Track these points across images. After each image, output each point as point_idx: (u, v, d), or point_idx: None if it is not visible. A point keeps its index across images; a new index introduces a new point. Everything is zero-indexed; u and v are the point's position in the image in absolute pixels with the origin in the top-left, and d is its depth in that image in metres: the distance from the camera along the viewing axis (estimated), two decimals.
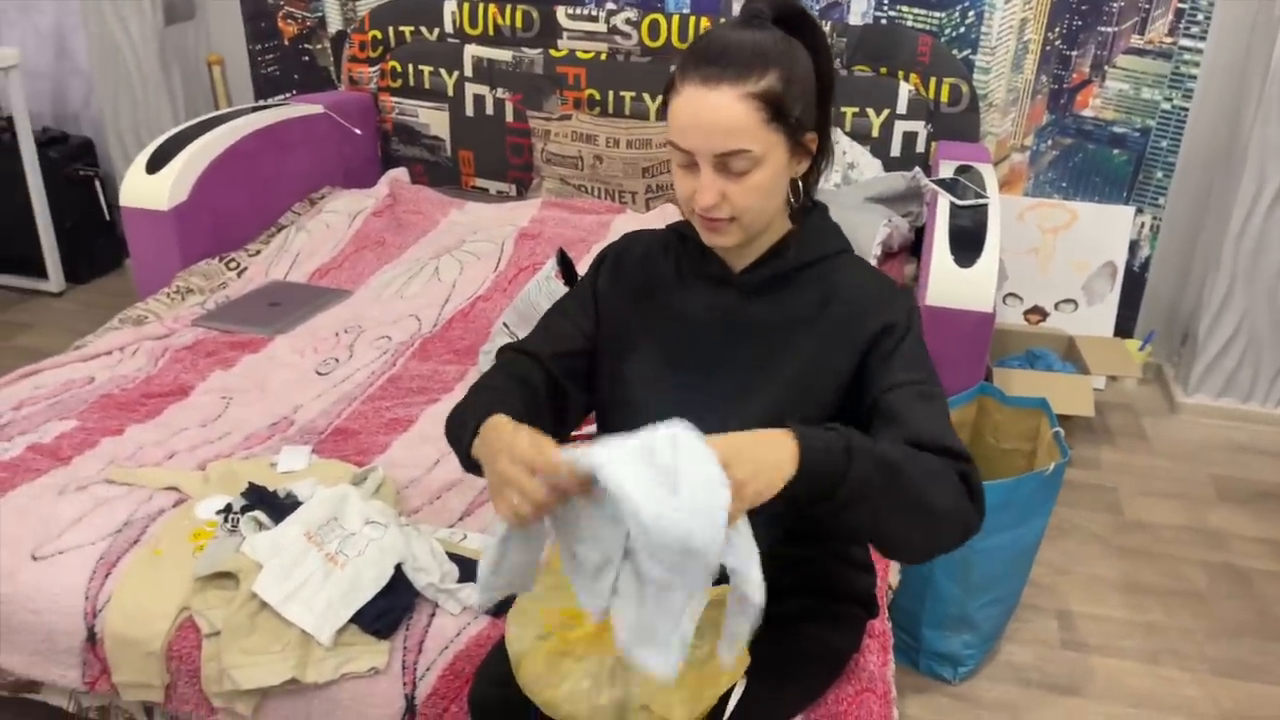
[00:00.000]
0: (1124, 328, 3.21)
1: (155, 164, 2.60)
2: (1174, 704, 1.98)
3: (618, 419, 1.33)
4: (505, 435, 1.06)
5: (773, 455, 1.00)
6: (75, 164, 3.52)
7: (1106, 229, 3.07)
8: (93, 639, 1.53)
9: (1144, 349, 3.14)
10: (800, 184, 1.26)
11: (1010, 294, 3.18)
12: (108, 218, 3.64)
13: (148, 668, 1.51)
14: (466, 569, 1.57)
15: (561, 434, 1.28)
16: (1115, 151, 3.09)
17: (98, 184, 3.57)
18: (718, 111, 1.13)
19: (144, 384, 2.12)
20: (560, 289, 1.98)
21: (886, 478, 1.04)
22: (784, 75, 1.15)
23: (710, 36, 1.18)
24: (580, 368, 1.35)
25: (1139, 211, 3.13)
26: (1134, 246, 3.15)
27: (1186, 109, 3.01)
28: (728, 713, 1.23)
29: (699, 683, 1.18)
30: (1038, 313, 3.17)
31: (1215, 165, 3.02)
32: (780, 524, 1.31)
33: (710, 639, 1.12)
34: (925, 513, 1.08)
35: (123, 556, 1.60)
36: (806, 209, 1.29)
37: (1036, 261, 3.13)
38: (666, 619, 0.96)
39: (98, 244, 3.68)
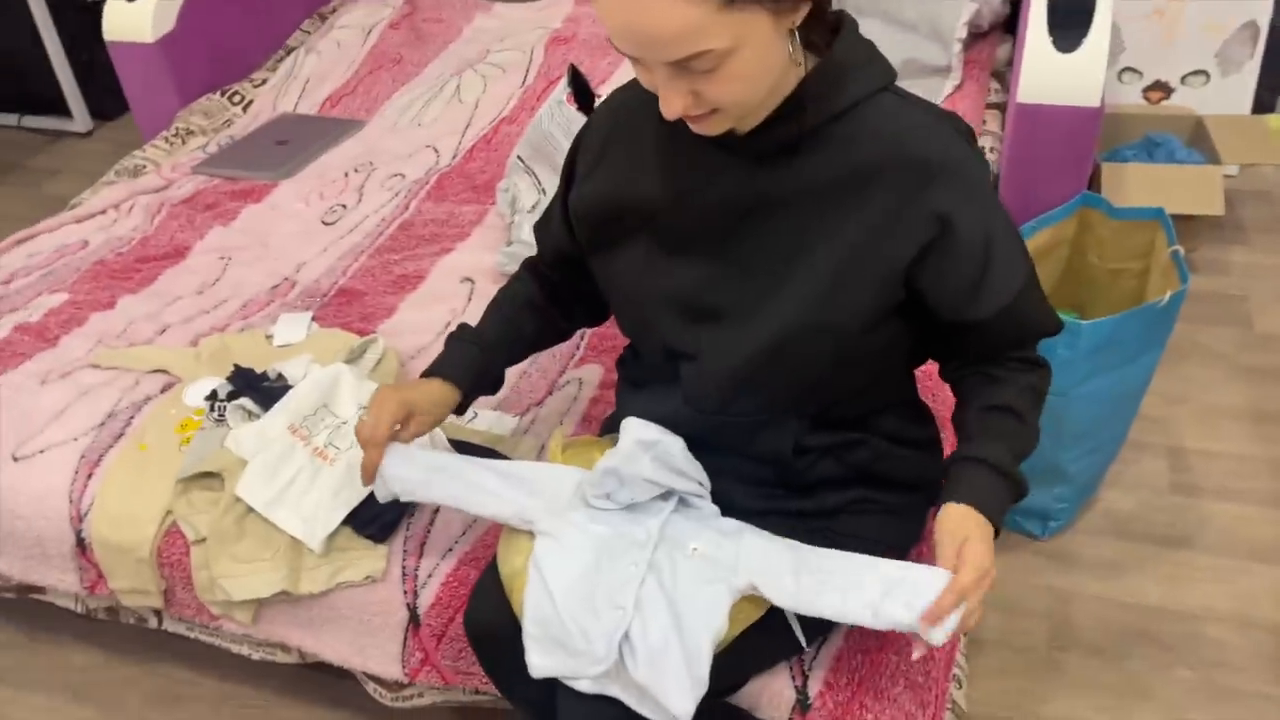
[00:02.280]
0: (1265, 101, 2.73)
1: None
2: None
3: (621, 318, 1.17)
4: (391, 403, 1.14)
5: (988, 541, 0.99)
6: None
7: None
8: (82, 545, 1.43)
9: None
10: (799, 33, 0.92)
11: (1126, 68, 2.71)
12: None
13: (140, 574, 1.40)
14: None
15: (596, 318, 1.31)
16: None
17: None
18: (652, 17, 0.82)
19: (139, 246, 1.95)
20: (574, 115, 1.69)
21: (1028, 452, 1.06)
22: None
23: None
24: (584, 263, 1.18)
25: None
26: None
27: None
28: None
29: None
30: (1160, 89, 2.71)
31: None
32: (803, 414, 1.08)
33: None
34: None
35: (106, 453, 1.47)
36: (827, 33, 0.97)
37: (1160, 27, 2.64)
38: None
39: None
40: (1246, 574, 1.71)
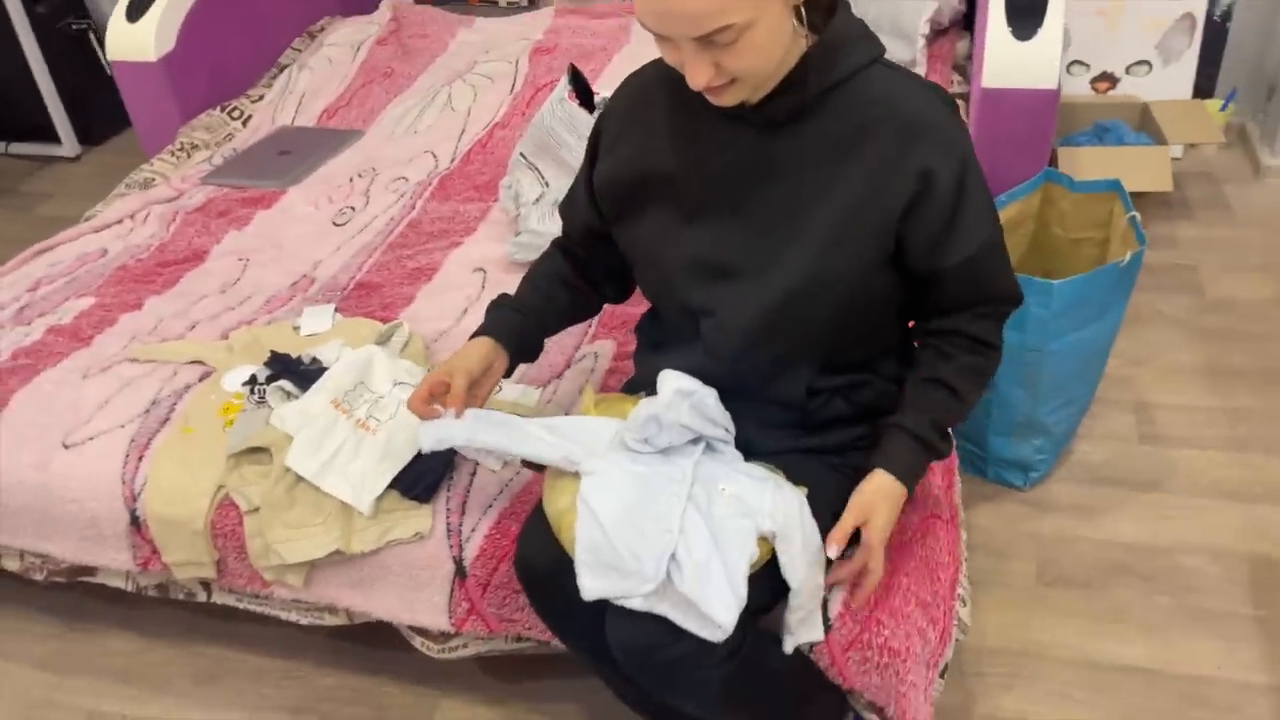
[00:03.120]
0: (1204, 88, 2.92)
1: (136, 10, 2.42)
2: (1263, 492, 1.88)
3: (643, 281, 1.29)
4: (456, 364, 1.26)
5: (897, 507, 1.18)
6: (66, 18, 3.33)
7: None
8: (136, 522, 1.51)
9: (1225, 109, 2.86)
10: (803, 9, 1.06)
11: (1075, 61, 2.89)
12: (109, 73, 3.47)
13: (195, 546, 1.49)
14: None
15: (622, 293, 1.42)
16: None
17: (93, 37, 3.39)
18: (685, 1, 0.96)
19: (158, 252, 2.04)
20: (576, 111, 1.82)
21: (956, 422, 1.22)
22: None
23: None
24: (609, 238, 1.32)
25: None
26: None
27: None
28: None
29: None
30: (1107, 80, 2.90)
31: None
32: (814, 358, 1.21)
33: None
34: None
35: (154, 437, 1.55)
36: (825, 13, 1.10)
37: (1104, 21, 2.82)
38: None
39: (105, 101, 3.52)
40: (1213, 511, 1.86)
